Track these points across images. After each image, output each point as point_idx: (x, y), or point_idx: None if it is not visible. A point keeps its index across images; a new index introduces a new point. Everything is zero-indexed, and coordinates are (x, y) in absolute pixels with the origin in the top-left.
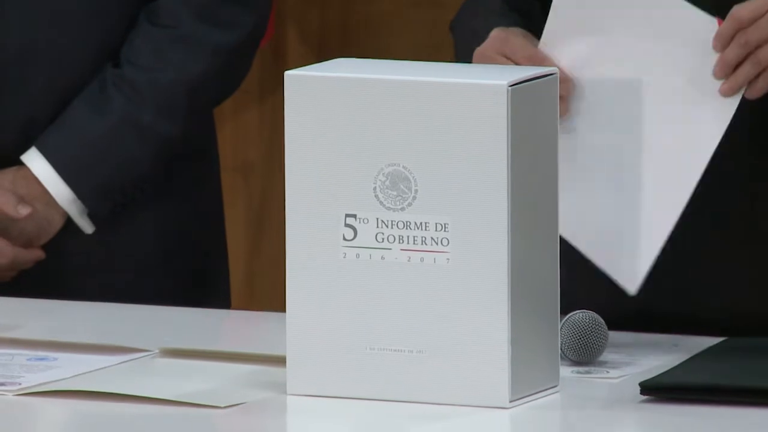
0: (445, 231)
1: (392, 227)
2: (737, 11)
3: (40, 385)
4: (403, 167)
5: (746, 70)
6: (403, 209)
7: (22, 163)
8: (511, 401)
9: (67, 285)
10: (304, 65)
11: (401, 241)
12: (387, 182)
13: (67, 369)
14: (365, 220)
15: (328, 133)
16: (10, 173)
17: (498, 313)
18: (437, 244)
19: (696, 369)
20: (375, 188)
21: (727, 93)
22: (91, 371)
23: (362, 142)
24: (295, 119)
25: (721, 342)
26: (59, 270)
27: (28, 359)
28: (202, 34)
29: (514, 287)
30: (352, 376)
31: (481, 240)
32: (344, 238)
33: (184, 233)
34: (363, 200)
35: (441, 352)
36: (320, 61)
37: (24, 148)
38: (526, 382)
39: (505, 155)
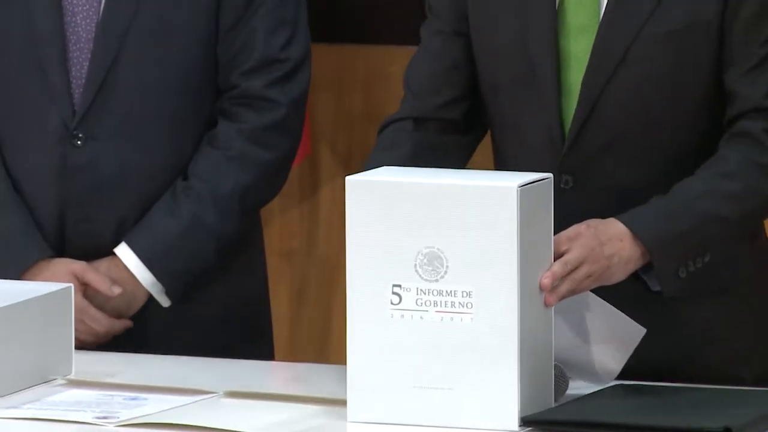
0: (469, 297)
1: (429, 294)
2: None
3: (133, 419)
4: (437, 249)
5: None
6: (437, 281)
7: (114, 255)
8: (519, 426)
9: (149, 344)
10: (335, 176)
11: (436, 305)
12: (425, 260)
13: (154, 406)
14: (408, 289)
15: (379, 223)
16: (105, 261)
17: (510, 360)
18: (463, 307)
19: (575, 407)
20: (416, 265)
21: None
22: (172, 408)
23: (406, 230)
24: (354, 212)
25: (615, 384)
26: (143, 333)
27: (124, 398)
28: (250, 154)
29: (522, 341)
30: (400, 407)
31: (497, 305)
32: (392, 303)
33: (239, 304)
34: (406, 274)
35: (466, 389)
36: (348, 174)
37: (116, 243)
38: (528, 412)
39: (515, 241)
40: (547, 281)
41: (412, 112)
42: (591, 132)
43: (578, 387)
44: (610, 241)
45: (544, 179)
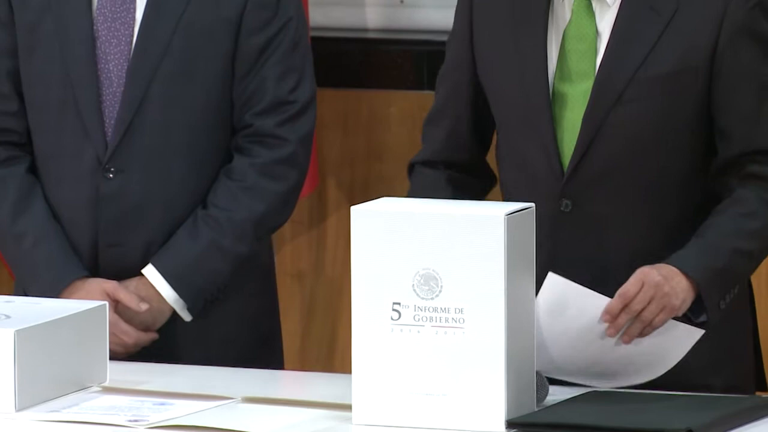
0: (461, 314)
1: (425, 311)
2: (624, 291)
3: (161, 421)
4: (433, 271)
5: (636, 327)
6: (432, 299)
7: (142, 275)
8: (505, 428)
9: (173, 355)
10: (340, 206)
11: (431, 320)
12: (422, 281)
13: (180, 410)
14: (407, 306)
15: (381, 248)
16: (134, 281)
17: (497, 370)
18: (456, 322)
19: (555, 411)
20: (413, 285)
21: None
22: (195, 412)
23: (405, 254)
24: (358, 238)
25: (589, 392)
26: (168, 345)
27: (152, 404)
28: (262, 186)
29: (507, 353)
30: (399, 411)
31: (486, 320)
32: (392, 319)
33: (253, 319)
34: (405, 293)
35: (458, 395)
36: (352, 204)
37: (143, 264)
38: (513, 415)
39: (503, 263)
40: (607, 318)
41: (432, 156)
42: (589, 163)
43: (557, 393)
44: (671, 278)
45: (526, 209)
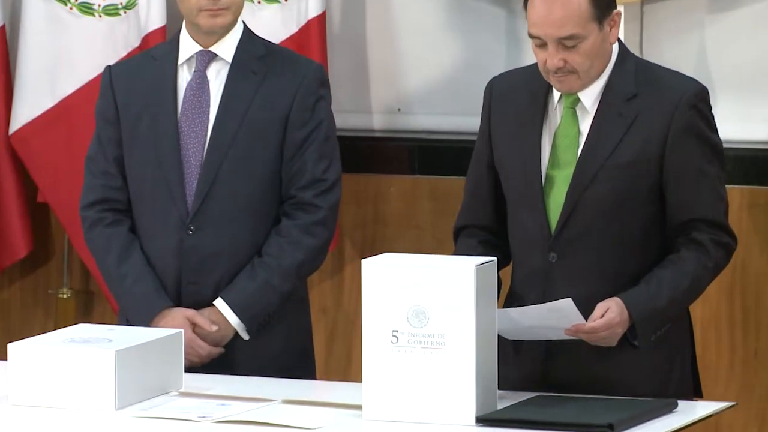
0: (443, 338)
1: (416, 336)
2: (588, 327)
3: (223, 417)
4: (422, 307)
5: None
6: (421, 328)
7: (213, 305)
8: (475, 422)
9: (234, 366)
10: (354, 259)
11: (421, 343)
12: (413, 314)
13: (236, 409)
14: (403, 333)
15: (384, 290)
16: (207, 310)
17: (468, 379)
18: (439, 345)
19: (511, 409)
20: (407, 317)
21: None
22: (248, 410)
23: (401, 294)
24: (368, 283)
25: (536, 396)
26: (230, 358)
27: (216, 404)
28: (303, 241)
29: (477, 367)
30: (397, 409)
31: (460, 343)
32: (392, 342)
33: (293, 340)
34: (401, 323)
35: (439, 397)
36: (364, 257)
37: (214, 297)
38: (481, 413)
39: (473, 302)
40: (571, 331)
41: (469, 221)
42: (570, 226)
43: (511, 398)
44: (623, 324)
45: (490, 261)
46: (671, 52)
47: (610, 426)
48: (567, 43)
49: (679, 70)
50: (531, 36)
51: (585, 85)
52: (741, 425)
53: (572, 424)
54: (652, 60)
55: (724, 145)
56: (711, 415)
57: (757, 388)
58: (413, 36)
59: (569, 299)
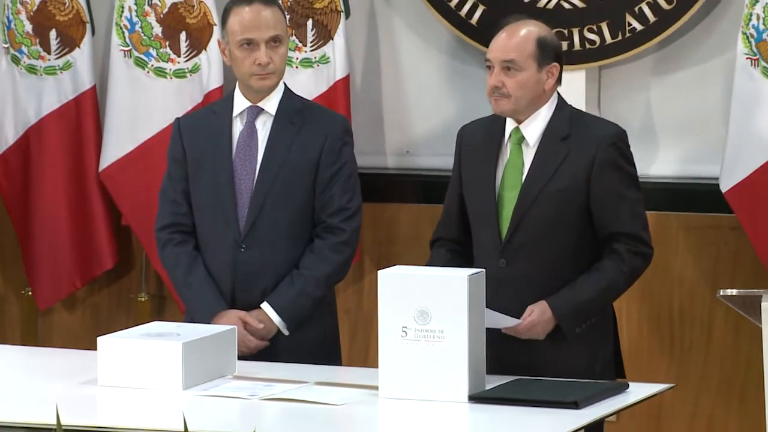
0: (442, 333)
1: (421, 332)
2: (514, 329)
3: (268, 395)
4: (426, 308)
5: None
6: (425, 325)
7: (260, 308)
8: (468, 399)
9: (277, 356)
10: (371, 271)
11: (425, 337)
12: (419, 314)
13: (278, 389)
14: (410, 329)
15: (396, 295)
16: (256, 311)
17: (462, 365)
18: (439, 338)
19: (497, 389)
20: (414, 316)
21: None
22: (288, 390)
23: (409, 298)
24: (383, 290)
25: (516, 379)
26: (274, 350)
27: (263, 385)
28: (331, 257)
29: (469, 355)
30: (407, 388)
31: (456, 337)
32: (401, 336)
33: (324, 334)
34: (409, 321)
35: (439, 378)
36: (380, 269)
37: (261, 301)
38: (472, 391)
39: (465, 305)
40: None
41: (442, 234)
42: (516, 238)
43: (495, 381)
44: (545, 323)
45: (480, 272)
46: (624, 106)
47: (575, 402)
48: (507, 65)
49: (630, 121)
50: (486, 62)
51: (516, 113)
52: (679, 404)
53: (545, 401)
54: (609, 111)
55: (666, 181)
56: (655, 395)
57: (691, 374)
58: (419, 93)
59: (504, 316)
